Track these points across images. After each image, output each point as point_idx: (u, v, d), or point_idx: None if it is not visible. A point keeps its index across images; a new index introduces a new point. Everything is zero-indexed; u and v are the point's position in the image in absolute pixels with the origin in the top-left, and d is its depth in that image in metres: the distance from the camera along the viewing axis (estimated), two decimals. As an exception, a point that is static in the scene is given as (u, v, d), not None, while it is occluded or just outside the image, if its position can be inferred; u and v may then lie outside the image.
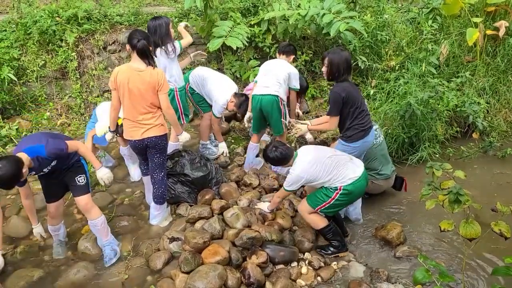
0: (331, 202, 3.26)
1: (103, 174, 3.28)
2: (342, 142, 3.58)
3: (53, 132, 3.37)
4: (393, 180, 4.09)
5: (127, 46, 3.27)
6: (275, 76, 4.07)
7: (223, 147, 4.78)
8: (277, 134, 4.36)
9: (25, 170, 2.71)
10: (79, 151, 3.13)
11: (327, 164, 3.20)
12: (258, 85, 4.16)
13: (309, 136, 4.75)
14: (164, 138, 3.47)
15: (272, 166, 4.47)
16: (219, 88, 4.36)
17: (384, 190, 4.11)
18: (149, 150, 3.45)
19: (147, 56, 3.24)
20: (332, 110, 3.43)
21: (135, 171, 4.46)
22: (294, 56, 4.45)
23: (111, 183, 3.35)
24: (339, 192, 3.22)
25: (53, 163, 2.96)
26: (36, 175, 3.08)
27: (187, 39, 4.30)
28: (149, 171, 3.62)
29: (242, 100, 4.38)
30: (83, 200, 3.22)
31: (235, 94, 4.42)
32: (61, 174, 3.15)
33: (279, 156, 3.30)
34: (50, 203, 3.29)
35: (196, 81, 4.50)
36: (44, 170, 2.96)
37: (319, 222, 3.37)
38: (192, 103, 4.73)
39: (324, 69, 3.48)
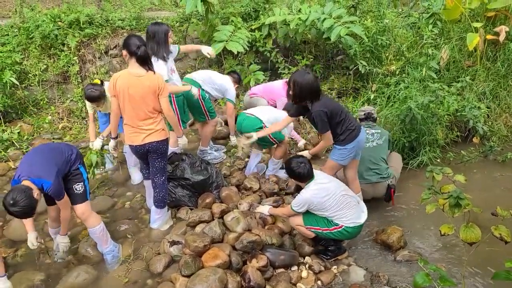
0: (325, 232, 3.30)
1: (61, 241, 3.36)
2: (338, 147, 3.57)
3: (60, 147, 3.32)
4: (384, 190, 4.06)
5: (124, 52, 3.25)
6: (269, 111, 4.42)
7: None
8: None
9: (36, 193, 2.83)
10: (61, 211, 3.17)
11: (338, 201, 3.24)
12: (251, 109, 4.49)
13: (301, 143, 5.03)
14: (165, 142, 3.48)
15: (269, 169, 4.52)
16: (224, 78, 4.85)
17: (371, 196, 4.06)
18: (150, 155, 3.46)
19: (147, 63, 3.25)
20: (323, 128, 3.44)
21: (135, 174, 4.47)
22: None
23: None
24: (338, 229, 3.27)
25: None
26: None
27: (190, 47, 4.80)
28: (150, 175, 3.63)
29: (236, 76, 5.03)
30: (80, 209, 3.22)
31: (231, 77, 4.99)
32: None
33: (305, 173, 3.24)
34: (50, 205, 3.30)
35: (207, 81, 4.70)
36: None
37: (309, 232, 3.38)
38: (202, 109, 4.69)
39: (291, 92, 3.48)
